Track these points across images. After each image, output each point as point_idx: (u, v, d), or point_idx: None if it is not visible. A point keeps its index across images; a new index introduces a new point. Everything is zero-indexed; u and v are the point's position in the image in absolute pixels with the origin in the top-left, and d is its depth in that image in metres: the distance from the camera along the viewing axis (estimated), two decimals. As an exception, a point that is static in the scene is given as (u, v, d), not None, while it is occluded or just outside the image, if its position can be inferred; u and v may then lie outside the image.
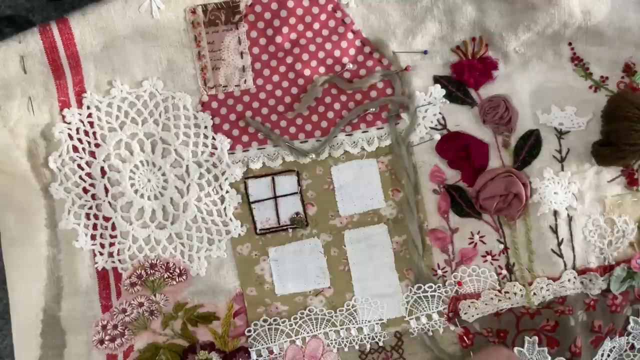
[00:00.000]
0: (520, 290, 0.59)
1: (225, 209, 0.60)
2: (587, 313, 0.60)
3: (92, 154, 0.59)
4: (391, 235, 0.60)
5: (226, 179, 0.59)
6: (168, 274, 0.60)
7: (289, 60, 0.59)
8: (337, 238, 0.60)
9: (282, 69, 0.59)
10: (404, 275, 0.60)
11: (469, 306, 0.60)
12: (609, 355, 0.62)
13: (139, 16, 0.56)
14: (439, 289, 0.60)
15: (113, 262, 0.60)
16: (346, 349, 0.60)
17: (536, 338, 0.60)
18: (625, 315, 0.61)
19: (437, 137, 0.60)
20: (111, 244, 0.59)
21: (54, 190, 0.59)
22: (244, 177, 0.60)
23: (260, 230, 0.60)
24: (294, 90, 0.59)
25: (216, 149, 0.59)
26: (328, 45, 0.59)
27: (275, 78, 0.59)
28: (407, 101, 0.60)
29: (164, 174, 0.59)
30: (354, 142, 0.60)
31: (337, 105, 0.60)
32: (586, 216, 0.59)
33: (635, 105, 0.56)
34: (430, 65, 0.60)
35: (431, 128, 0.60)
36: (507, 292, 0.59)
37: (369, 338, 0.60)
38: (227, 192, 0.60)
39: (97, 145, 0.59)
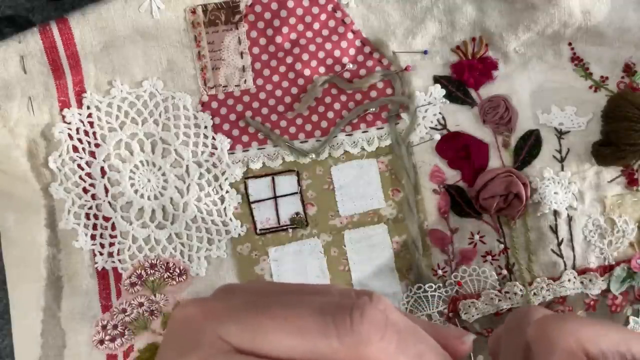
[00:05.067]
0: (521, 290, 0.59)
1: (225, 209, 0.60)
2: (587, 313, 0.60)
3: (92, 154, 0.59)
4: (391, 235, 0.60)
5: (226, 179, 0.59)
6: (168, 274, 0.60)
7: (289, 60, 0.59)
8: (337, 238, 0.60)
9: (282, 69, 0.59)
10: (404, 275, 0.60)
11: (469, 306, 0.60)
12: (609, 356, 0.62)
13: (139, 16, 0.56)
14: (439, 289, 0.60)
15: (113, 262, 0.59)
16: (346, 349, 0.60)
17: (536, 338, 0.60)
18: (625, 315, 0.61)
19: (437, 137, 0.60)
20: (111, 244, 0.59)
21: (54, 190, 0.59)
22: (244, 177, 0.60)
23: (260, 230, 0.60)
24: (294, 90, 0.59)
25: (216, 149, 0.59)
26: (328, 45, 0.59)
27: (275, 78, 0.59)
28: (407, 101, 0.60)
29: (164, 174, 0.59)
30: (354, 142, 0.60)
31: (337, 105, 0.60)
32: (586, 216, 0.59)
33: (635, 105, 0.56)
34: (430, 65, 0.60)
35: (431, 128, 0.60)
36: (507, 292, 0.59)
37: (369, 338, 0.60)
38: (227, 192, 0.60)
39: (97, 145, 0.59)
